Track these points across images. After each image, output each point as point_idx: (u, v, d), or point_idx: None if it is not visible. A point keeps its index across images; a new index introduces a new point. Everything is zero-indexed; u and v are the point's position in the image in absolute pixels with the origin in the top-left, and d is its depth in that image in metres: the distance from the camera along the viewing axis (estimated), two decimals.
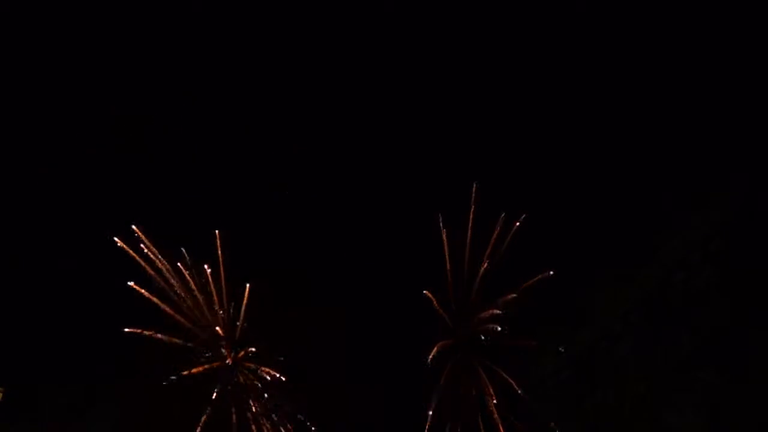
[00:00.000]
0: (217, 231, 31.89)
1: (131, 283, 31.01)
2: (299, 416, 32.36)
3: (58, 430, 30.92)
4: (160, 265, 31.56)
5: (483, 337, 32.04)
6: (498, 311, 31.59)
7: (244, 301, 31.91)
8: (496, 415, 30.49)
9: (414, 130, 35.32)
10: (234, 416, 31.59)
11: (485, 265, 32.51)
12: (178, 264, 31.79)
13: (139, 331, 30.75)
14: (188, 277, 31.89)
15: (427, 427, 30.82)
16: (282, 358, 32.51)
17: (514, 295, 31.30)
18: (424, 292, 32.18)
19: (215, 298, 32.33)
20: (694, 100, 29.93)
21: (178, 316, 31.66)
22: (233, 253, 32.76)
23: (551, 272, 30.80)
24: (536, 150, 35.09)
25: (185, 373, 31.15)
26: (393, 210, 33.84)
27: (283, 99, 35.40)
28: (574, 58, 34.02)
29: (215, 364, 32.20)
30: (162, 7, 35.21)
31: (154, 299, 31.50)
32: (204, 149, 35.71)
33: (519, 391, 29.41)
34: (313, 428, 32.16)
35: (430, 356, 31.62)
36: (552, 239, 32.97)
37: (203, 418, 30.69)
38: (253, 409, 32.15)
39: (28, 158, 34.68)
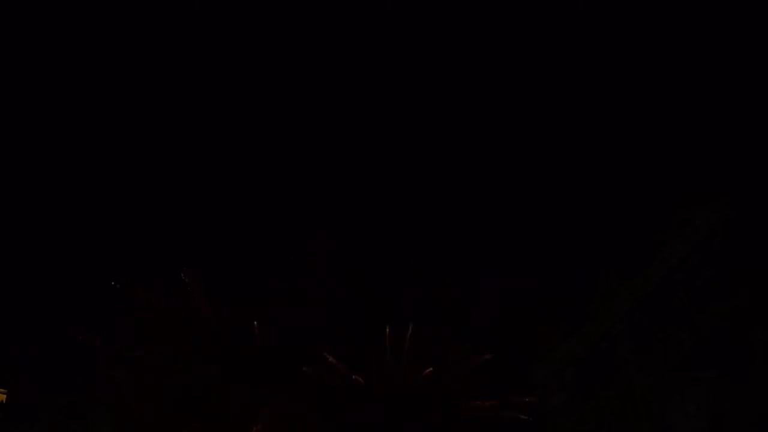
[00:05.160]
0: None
1: None
2: None
3: (58, 430, 30.91)
4: None
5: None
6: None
7: None
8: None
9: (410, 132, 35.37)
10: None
11: None
12: None
13: None
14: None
15: None
16: None
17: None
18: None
19: None
20: (693, 100, 29.93)
21: None
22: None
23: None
24: (536, 148, 35.13)
25: None
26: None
27: (283, 99, 35.43)
28: (574, 57, 34.02)
29: None
30: (161, 7, 35.21)
31: None
32: (204, 149, 35.73)
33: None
34: None
35: None
36: (551, 239, 32.98)
37: None
38: None
39: (29, 158, 34.71)
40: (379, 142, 35.35)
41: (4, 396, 30.96)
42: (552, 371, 27.70)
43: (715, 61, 30.15)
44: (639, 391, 23.46)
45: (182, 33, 34.96)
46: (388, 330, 34.25)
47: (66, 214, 34.76)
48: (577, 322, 27.51)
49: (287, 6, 35.62)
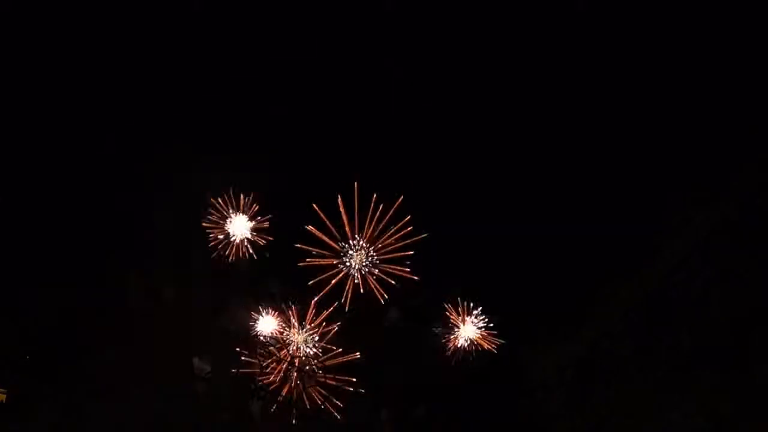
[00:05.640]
0: None
1: None
2: None
3: (58, 430, 30.91)
4: None
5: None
6: None
7: None
8: None
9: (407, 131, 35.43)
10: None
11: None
12: None
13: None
14: None
15: None
16: None
17: None
18: None
19: None
20: (694, 100, 29.96)
21: None
22: None
23: None
24: (536, 148, 35.14)
25: None
26: None
27: (283, 99, 35.45)
28: (574, 57, 34.03)
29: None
30: (161, 7, 35.26)
31: None
32: (203, 148, 35.79)
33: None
34: None
35: None
36: (551, 239, 32.99)
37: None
38: None
39: (28, 157, 34.76)
40: (378, 142, 35.34)
41: (4, 396, 30.95)
42: (552, 371, 27.75)
43: (715, 61, 30.17)
44: (639, 391, 23.52)
45: (182, 33, 34.96)
46: (385, 329, 34.47)
47: (66, 214, 34.75)
48: (577, 322, 27.58)
49: (287, 6, 35.63)
